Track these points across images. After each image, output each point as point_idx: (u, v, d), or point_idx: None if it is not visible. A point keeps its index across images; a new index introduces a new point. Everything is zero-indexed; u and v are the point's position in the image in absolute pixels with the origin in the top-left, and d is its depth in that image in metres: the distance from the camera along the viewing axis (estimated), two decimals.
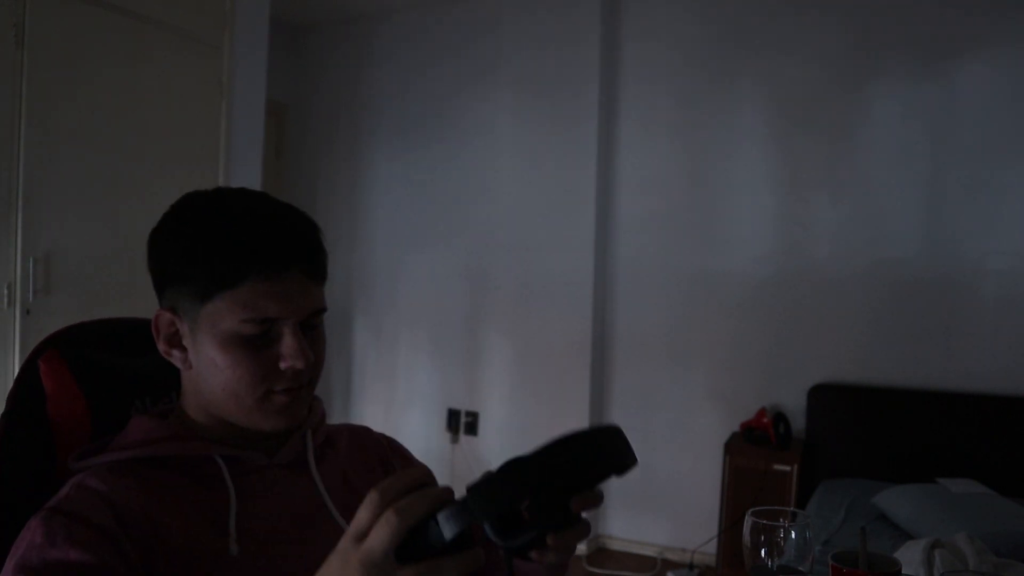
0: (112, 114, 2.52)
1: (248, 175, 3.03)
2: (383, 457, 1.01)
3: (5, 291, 2.25)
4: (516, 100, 3.67)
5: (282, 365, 0.82)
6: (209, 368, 0.82)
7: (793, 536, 0.90)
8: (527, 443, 2.94)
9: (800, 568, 0.90)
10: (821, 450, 3.11)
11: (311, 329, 0.85)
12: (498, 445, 3.73)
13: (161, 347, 0.85)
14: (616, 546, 3.59)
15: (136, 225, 2.61)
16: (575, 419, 3.52)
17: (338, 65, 4.24)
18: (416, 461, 1.04)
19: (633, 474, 3.14)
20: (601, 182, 3.54)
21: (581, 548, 3.49)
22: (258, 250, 0.80)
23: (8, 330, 2.27)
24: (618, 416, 3.60)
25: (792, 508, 0.98)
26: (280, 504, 0.85)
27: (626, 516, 3.59)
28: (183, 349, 0.85)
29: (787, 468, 2.94)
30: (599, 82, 3.49)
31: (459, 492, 0.59)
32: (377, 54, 4.12)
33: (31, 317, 2.29)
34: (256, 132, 3.06)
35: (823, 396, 3.16)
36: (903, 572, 0.92)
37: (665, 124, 3.52)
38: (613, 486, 3.60)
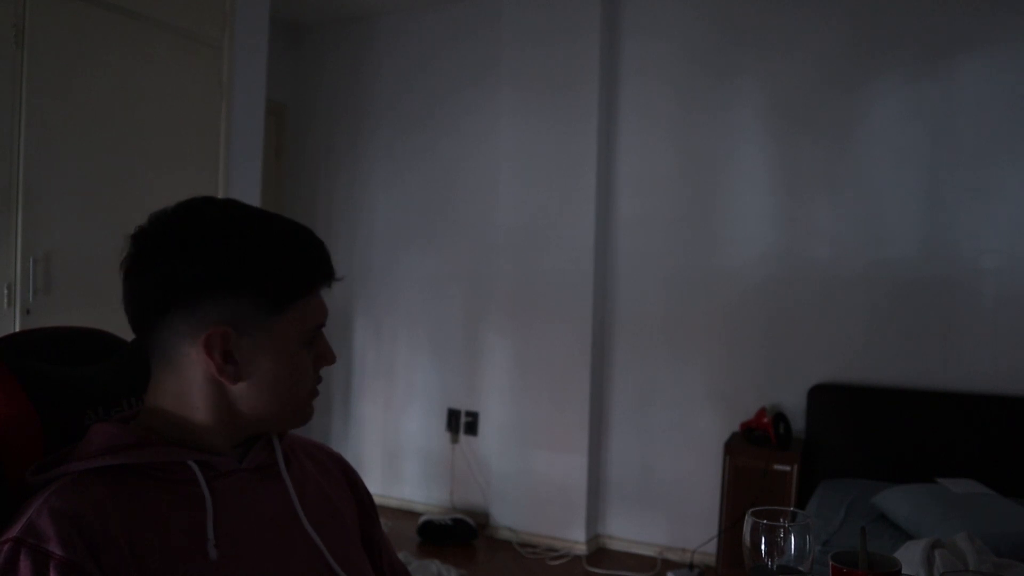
0: (112, 114, 2.52)
1: (248, 175, 3.03)
2: (344, 469, 1.03)
3: (5, 291, 2.25)
4: (516, 99, 3.67)
5: (319, 364, 0.89)
6: (267, 378, 0.84)
7: (793, 536, 0.90)
8: (527, 443, 2.97)
9: (800, 568, 0.90)
10: (821, 450, 3.11)
11: None
12: (498, 445, 3.73)
13: (215, 364, 0.82)
14: (616, 546, 3.59)
15: (136, 225, 2.61)
16: (575, 419, 3.52)
17: (338, 65, 4.24)
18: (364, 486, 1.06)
19: (633, 474, 3.16)
20: (601, 181, 3.54)
21: (581, 548, 3.49)
22: (321, 262, 0.87)
23: (8, 330, 2.26)
24: (618, 416, 3.60)
25: (792, 508, 0.98)
26: (253, 508, 0.85)
27: (626, 516, 3.59)
28: (235, 363, 0.83)
29: (787, 468, 2.94)
30: (599, 81, 3.49)
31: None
32: (377, 54, 4.12)
33: (31, 317, 2.29)
34: (256, 132, 3.06)
35: (823, 396, 3.16)
36: (903, 572, 0.92)
37: (665, 123, 3.52)
38: (613, 486, 3.60)
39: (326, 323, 0.89)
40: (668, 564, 3.38)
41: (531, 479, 3.61)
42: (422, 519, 3.64)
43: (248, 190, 3.03)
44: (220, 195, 2.90)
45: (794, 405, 3.26)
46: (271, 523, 0.86)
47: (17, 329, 2.27)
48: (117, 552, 0.73)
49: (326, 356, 0.90)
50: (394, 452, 4.10)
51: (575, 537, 3.52)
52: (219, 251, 0.82)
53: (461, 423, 3.88)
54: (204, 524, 0.80)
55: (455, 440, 3.89)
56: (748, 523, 0.90)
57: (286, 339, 0.84)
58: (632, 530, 3.57)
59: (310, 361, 0.88)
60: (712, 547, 3.25)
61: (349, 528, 0.96)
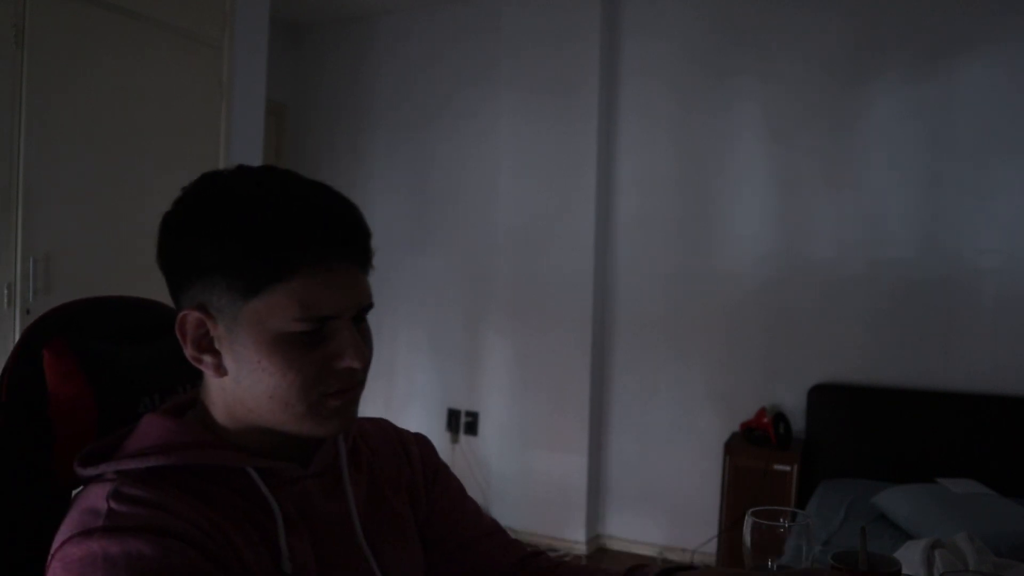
0: (112, 114, 2.52)
1: None
2: (403, 443, 0.96)
3: (5, 291, 2.25)
4: (516, 99, 3.67)
5: (338, 365, 0.74)
6: (252, 373, 0.72)
7: (793, 536, 0.90)
8: (527, 443, 2.97)
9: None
10: (821, 450, 3.11)
11: (359, 323, 0.77)
12: (498, 445, 3.73)
13: (189, 353, 0.74)
14: (616, 546, 3.59)
15: (136, 225, 2.61)
16: (575, 419, 3.52)
17: (338, 65, 4.24)
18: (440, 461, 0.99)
19: (633, 474, 3.15)
20: (601, 181, 3.54)
21: (581, 548, 3.49)
22: (311, 237, 0.71)
23: (8, 330, 2.27)
24: (618, 416, 3.60)
25: (792, 508, 0.97)
26: (317, 518, 0.79)
27: (626, 516, 3.59)
28: (215, 354, 0.74)
29: (787, 468, 2.94)
30: (599, 80, 3.49)
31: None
32: (377, 54, 4.12)
33: (31, 317, 2.28)
34: (256, 132, 3.06)
35: (823, 396, 3.16)
36: (903, 572, 0.92)
37: (665, 123, 3.52)
38: (613, 486, 3.60)
39: (351, 313, 0.74)
40: None
41: (531, 479, 3.61)
42: None
43: None
44: None
45: (794, 405, 3.26)
46: (333, 533, 0.80)
47: (17, 329, 2.27)
48: (217, 539, 0.68)
49: (341, 354, 0.74)
50: None
51: (575, 537, 3.52)
52: (198, 229, 0.72)
53: (461, 423, 3.88)
54: (275, 537, 0.73)
55: (455, 440, 3.89)
56: (748, 523, 0.90)
57: (262, 328, 0.71)
58: (632, 530, 3.57)
59: (317, 356, 0.73)
60: (712, 547, 3.25)
61: (405, 529, 0.90)
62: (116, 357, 0.83)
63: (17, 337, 2.28)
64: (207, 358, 0.74)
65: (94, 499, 0.67)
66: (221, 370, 0.74)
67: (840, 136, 3.23)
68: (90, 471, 0.72)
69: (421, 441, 0.99)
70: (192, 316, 0.73)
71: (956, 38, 3.03)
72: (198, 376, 0.80)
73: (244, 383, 0.73)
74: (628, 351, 3.59)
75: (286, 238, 0.70)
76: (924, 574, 1.30)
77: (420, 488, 0.94)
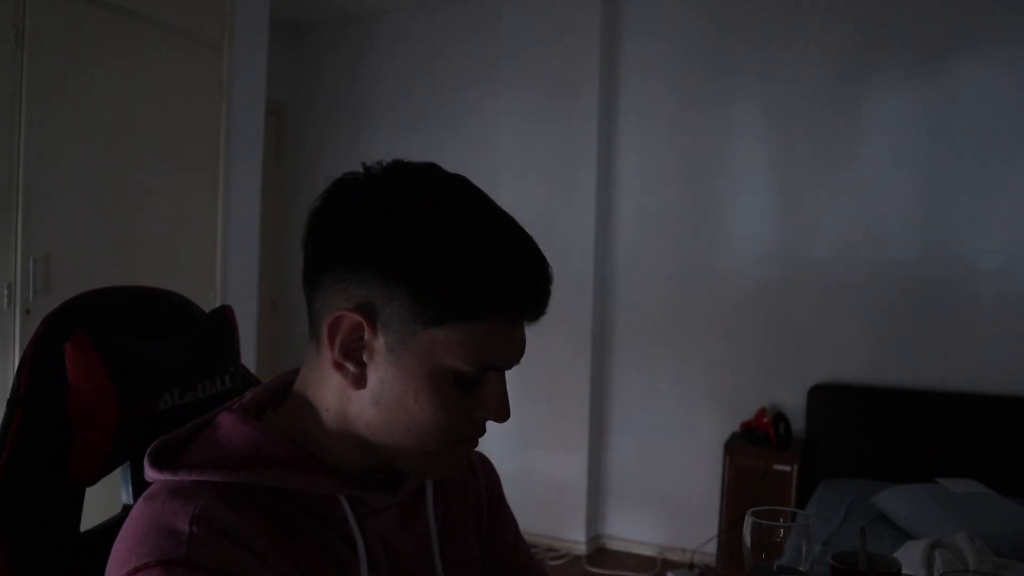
0: (112, 114, 2.52)
1: (248, 175, 3.03)
2: (471, 466, 0.91)
3: (5, 291, 2.25)
4: (516, 99, 3.67)
5: (481, 415, 0.70)
6: (399, 400, 0.67)
7: (793, 536, 0.90)
8: (527, 443, 2.96)
9: (800, 568, 0.90)
10: (821, 450, 3.11)
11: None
12: (498, 445, 3.73)
13: (334, 355, 0.67)
14: (616, 546, 3.59)
15: (136, 225, 2.61)
16: (575, 419, 3.52)
17: (338, 65, 4.24)
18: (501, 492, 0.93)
19: (633, 474, 3.15)
20: (601, 181, 3.54)
21: (581, 548, 3.49)
22: (521, 290, 0.67)
23: (8, 330, 2.27)
24: (618, 416, 3.60)
25: (792, 508, 0.97)
26: (397, 549, 0.74)
27: (626, 516, 3.59)
28: (361, 364, 0.67)
29: (787, 468, 2.94)
30: (599, 80, 3.49)
31: None
32: (377, 54, 4.12)
33: (31, 317, 2.29)
34: (256, 132, 3.06)
35: (823, 396, 3.16)
36: (903, 572, 0.92)
37: (665, 123, 3.52)
38: (613, 486, 3.60)
39: (511, 367, 0.70)
40: (668, 564, 3.38)
41: (531, 479, 3.61)
42: None
43: (248, 190, 3.03)
44: (220, 195, 2.90)
45: (794, 405, 3.26)
46: (413, 566, 0.75)
47: (17, 329, 2.27)
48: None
49: (489, 406, 0.70)
50: None
51: (575, 537, 3.52)
52: (405, 224, 0.65)
53: None
54: (357, 570, 0.69)
55: None
56: (748, 523, 0.90)
57: (431, 361, 0.66)
58: (632, 530, 3.57)
59: (466, 402, 0.69)
60: (712, 547, 3.25)
61: (475, 564, 0.85)
62: (138, 351, 0.79)
63: (17, 337, 2.29)
64: (350, 366, 0.67)
65: (173, 516, 0.61)
66: (361, 383, 0.68)
67: (839, 136, 3.23)
68: (167, 475, 0.65)
69: (486, 467, 0.93)
70: (351, 319, 0.66)
71: (956, 38, 3.03)
72: (217, 372, 0.77)
73: (384, 406, 0.68)
74: (628, 351, 3.59)
75: (500, 283, 0.66)
76: (924, 574, 1.30)
77: (484, 518, 0.89)
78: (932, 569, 1.30)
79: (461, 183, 0.70)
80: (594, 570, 3.34)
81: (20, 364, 0.75)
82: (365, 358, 0.67)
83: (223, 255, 2.92)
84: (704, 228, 3.46)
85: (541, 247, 0.72)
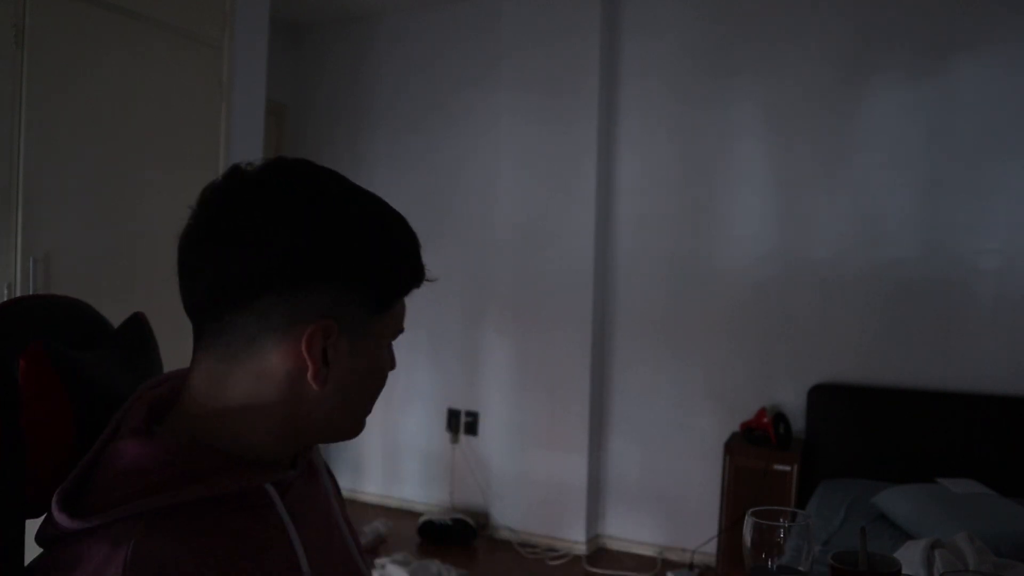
0: (112, 114, 2.51)
1: None
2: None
3: (5, 291, 2.25)
4: (516, 99, 3.67)
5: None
6: (360, 384, 0.72)
7: (793, 536, 0.90)
8: (527, 443, 2.97)
9: (800, 568, 0.90)
10: (821, 450, 3.11)
11: None
12: (498, 445, 3.73)
13: (313, 366, 0.67)
14: (616, 546, 3.59)
15: (136, 225, 2.61)
16: (575, 419, 3.52)
17: (338, 65, 4.24)
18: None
19: (633, 474, 3.15)
20: (601, 180, 3.54)
21: (581, 548, 3.49)
22: (420, 262, 0.76)
23: None
24: (618, 416, 3.60)
25: (792, 508, 0.98)
26: (310, 517, 0.76)
27: (626, 516, 3.59)
28: (327, 365, 0.69)
29: (787, 468, 2.94)
30: (599, 79, 3.49)
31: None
32: (377, 54, 4.12)
33: None
34: (256, 132, 3.06)
35: (823, 396, 3.16)
36: (903, 572, 0.92)
37: (665, 123, 3.52)
38: (613, 486, 3.60)
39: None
40: (668, 564, 3.38)
41: (531, 479, 3.61)
42: (422, 519, 3.64)
43: None
44: None
45: (794, 405, 3.26)
46: (323, 529, 0.79)
47: None
48: None
49: (392, 363, 0.78)
50: (394, 452, 4.10)
51: (575, 537, 3.52)
52: (340, 228, 0.66)
53: (461, 423, 3.88)
54: (292, 551, 0.69)
55: (455, 440, 3.89)
56: (748, 523, 0.90)
57: (379, 343, 0.73)
58: (632, 530, 3.57)
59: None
60: (712, 547, 3.25)
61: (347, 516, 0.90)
62: (90, 365, 0.74)
63: None
64: (323, 370, 0.69)
65: (101, 566, 0.57)
66: (320, 382, 0.68)
67: (839, 135, 3.23)
68: (78, 523, 0.60)
69: None
70: (325, 326, 0.67)
71: (956, 38, 3.03)
72: (131, 390, 0.73)
73: (346, 394, 0.71)
74: (628, 351, 3.59)
75: (414, 261, 0.74)
76: (924, 574, 1.30)
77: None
78: (932, 569, 1.30)
79: (339, 175, 0.74)
80: (594, 570, 3.34)
81: None
82: (330, 357, 0.69)
83: None
84: (704, 228, 3.46)
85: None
